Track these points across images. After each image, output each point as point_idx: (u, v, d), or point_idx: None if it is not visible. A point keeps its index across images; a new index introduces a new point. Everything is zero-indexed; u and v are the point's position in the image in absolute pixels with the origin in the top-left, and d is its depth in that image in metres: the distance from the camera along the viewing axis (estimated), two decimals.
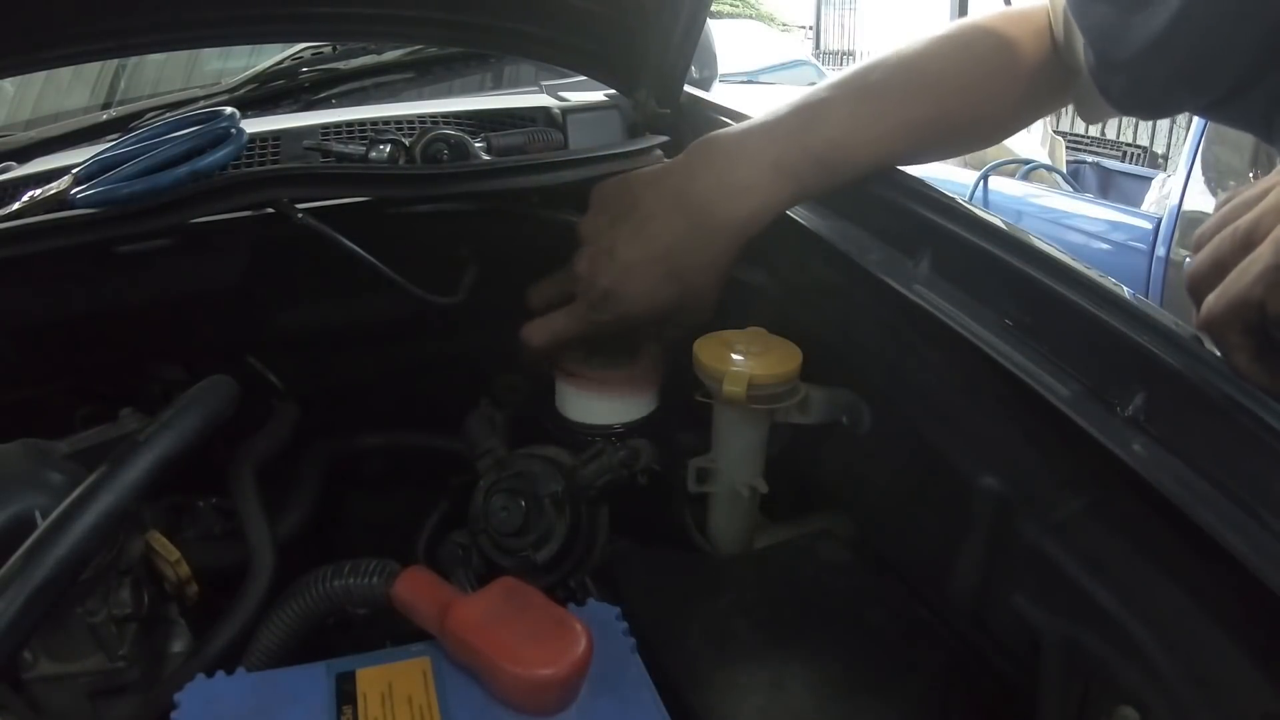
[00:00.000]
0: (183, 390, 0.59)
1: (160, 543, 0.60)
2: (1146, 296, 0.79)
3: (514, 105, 1.06)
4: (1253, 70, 0.57)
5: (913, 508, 0.67)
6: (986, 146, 0.76)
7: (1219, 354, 0.47)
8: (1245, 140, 2.60)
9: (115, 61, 1.34)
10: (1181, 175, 2.90)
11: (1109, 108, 0.70)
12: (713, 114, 0.92)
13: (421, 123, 0.99)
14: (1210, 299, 0.44)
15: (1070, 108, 0.82)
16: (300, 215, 0.75)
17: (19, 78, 1.29)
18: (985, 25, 0.76)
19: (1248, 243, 0.43)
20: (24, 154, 1.00)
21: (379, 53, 1.24)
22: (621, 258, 0.70)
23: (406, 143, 0.90)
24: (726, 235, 0.70)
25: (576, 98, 1.09)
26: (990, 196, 3.66)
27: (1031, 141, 4.10)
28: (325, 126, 0.98)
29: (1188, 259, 0.68)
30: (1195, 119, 2.88)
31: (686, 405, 0.72)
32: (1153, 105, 0.67)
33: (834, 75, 0.78)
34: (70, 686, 0.58)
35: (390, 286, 0.78)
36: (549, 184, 0.82)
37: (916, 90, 0.73)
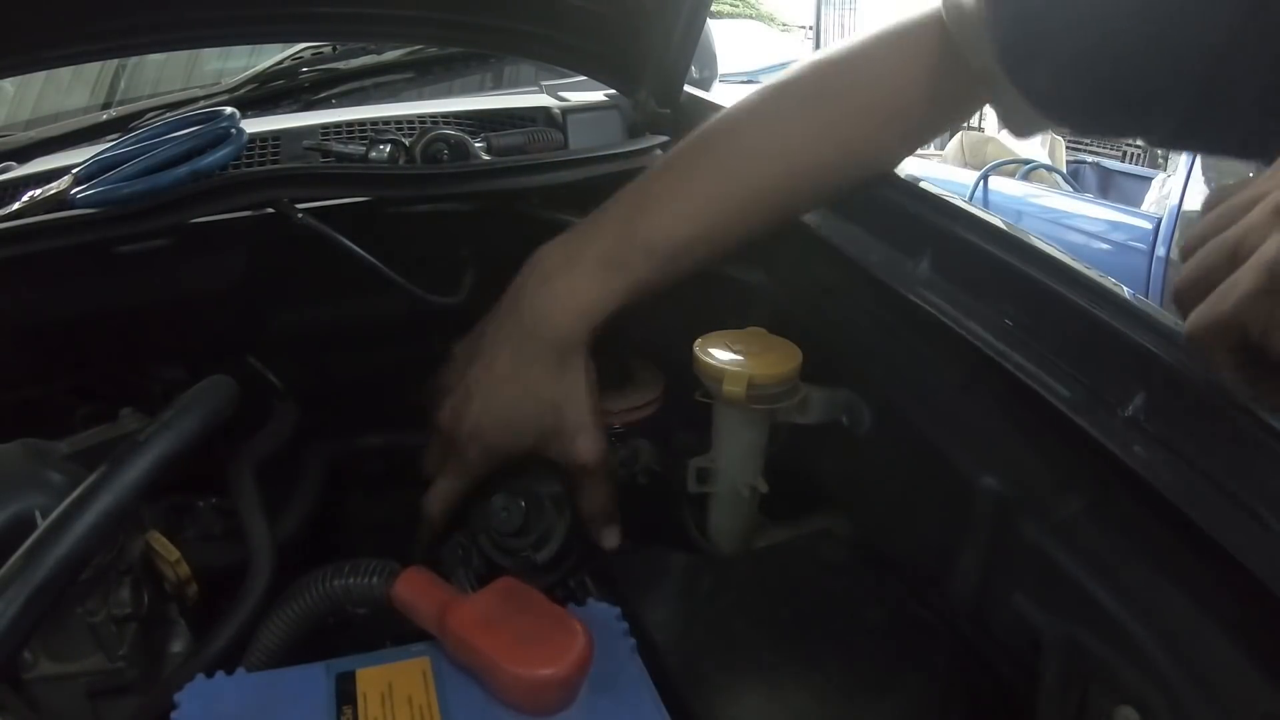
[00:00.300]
0: (183, 390, 0.59)
1: (160, 543, 0.60)
2: (1146, 296, 0.78)
3: (514, 105, 1.07)
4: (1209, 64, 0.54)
5: (913, 508, 0.67)
6: (880, 171, 0.73)
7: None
8: None
9: (115, 61, 1.34)
10: (1181, 175, 2.90)
11: (1036, 114, 0.65)
12: (713, 114, 0.92)
13: (421, 123, 0.99)
14: (1193, 316, 0.44)
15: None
16: (300, 215, 0.76)
17: (19, 78, 1.29)
18: (838, 59, 0.73)
19: (1233, 259, 0.42)
20: (24, 154, 1.01)
21: (379, 53, 1.25)
22: (477, 395, 0.68)
23: (406, 143, 0.90)
24: (559, 344, 0.67)
25: (576, 98, 1.09)
26: (990, 196, 3.66)
27: (1031, 141, 4.10)
28: (325, 126, 0.98)
29: None
30: None
31: (686, 405, 0.72)
32: (1083, 110, 0.62)
33: (671, 151, 0.75)
34: (70, 686, 0.58)
35: (390, 286, 0.78)
36: (549, 184, 0.82)
37: (764, 156, 0.71)
